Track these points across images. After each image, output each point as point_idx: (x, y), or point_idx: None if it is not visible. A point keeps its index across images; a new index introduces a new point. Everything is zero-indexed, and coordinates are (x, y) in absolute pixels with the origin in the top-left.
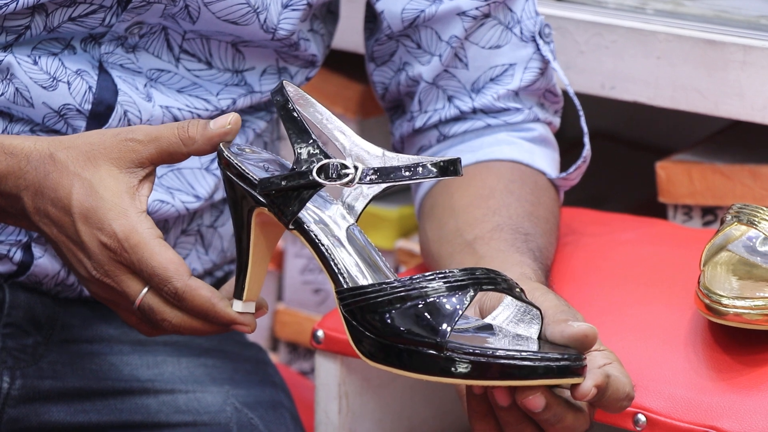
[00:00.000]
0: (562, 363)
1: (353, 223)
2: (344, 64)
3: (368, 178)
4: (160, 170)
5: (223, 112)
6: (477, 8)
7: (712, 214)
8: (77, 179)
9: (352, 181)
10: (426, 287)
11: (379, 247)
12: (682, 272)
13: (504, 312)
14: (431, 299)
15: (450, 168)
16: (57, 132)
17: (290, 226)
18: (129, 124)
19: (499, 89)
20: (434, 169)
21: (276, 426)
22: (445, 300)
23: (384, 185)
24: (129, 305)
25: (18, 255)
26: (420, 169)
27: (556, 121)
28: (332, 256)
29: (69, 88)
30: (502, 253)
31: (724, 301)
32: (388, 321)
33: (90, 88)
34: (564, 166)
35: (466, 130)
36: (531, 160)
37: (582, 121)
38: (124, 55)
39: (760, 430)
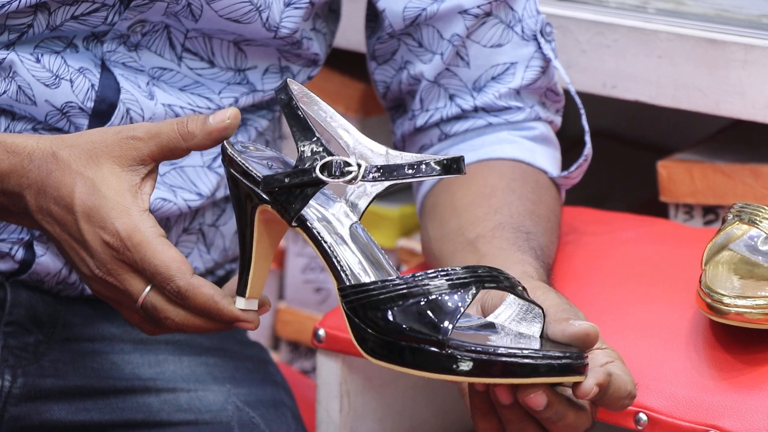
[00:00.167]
0: (563, 361)
1: (356, 221)
2: (345, 63)
3: (371, 175)
4: (163, 168)
5: None
6: (478, 6)
7: (713, 213)
8: (80, 178)
9: (355, 178)
10: (428, 285)
11: (381, 246)
12: (684, 271)
13: (506, 311)
14: (433, 297)
15: (453, 166)
16: (59, 130)
17: (293, 224)
18: (131, 122)
19: (500, 88)
20: (438, 167)
21: (277, 425)
22: (447, 297)
23: (387, 183)
24: (132, 304)
25: (20, 253)
26: (423, 167)
27: (558, 119)
28: (335, 253)
29: (71, 86)
30: (503, 252)
31: (726, 300)
32: (391, 318)
33: (92, 86)
34: (565, 165)
35: (467, 129)
36: (532, 159)
37: (583, 120)
38: (126, 53)
39: (761, 429)
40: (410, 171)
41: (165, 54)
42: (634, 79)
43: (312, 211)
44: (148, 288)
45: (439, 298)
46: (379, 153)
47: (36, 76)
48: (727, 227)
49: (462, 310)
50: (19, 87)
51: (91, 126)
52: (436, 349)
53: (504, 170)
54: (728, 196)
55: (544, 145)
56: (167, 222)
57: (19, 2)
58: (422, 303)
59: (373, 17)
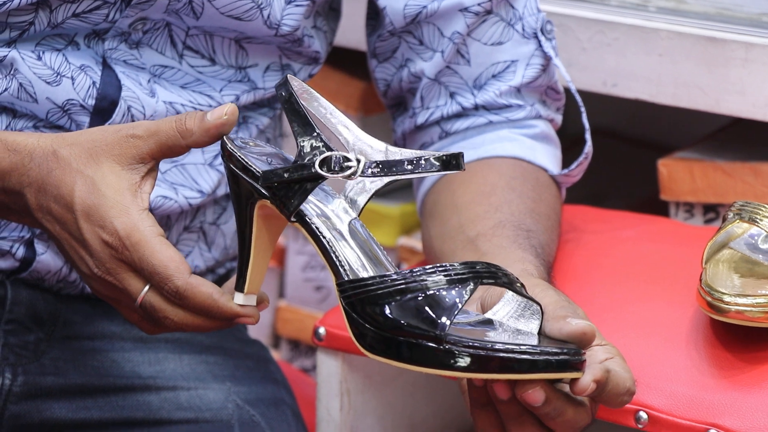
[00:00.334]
0: (561, 357)
1: (355, 217)
2: (346, 62)
3: (370, 171)
4: (164, 165)
5: None
6: (479, 4)
7: (713, 211)
8: (80, 176)
9: (354, 173)
10: (426, 280)
11: (381, 244)
12: (684, 270)
13: (504, 307)
14: (431, 292)
15: (452, 162)
16: (61, 128)
17: (292, 219)
18: (132, 120)
19: (501, 86)
20: (437, 163)
21: (277, 423)
22: (445, 293)
23: (386, 179)
24: (131, 303)
25: (20, 251)
26: (422, 163)
27: (558, 118)
28: (334, 248)
29: (73, 84)
30: (504, 250)
31: (726, 298)
32: (389, 313)
33: (94, 83)
34: (565, 163)
35: (467, 127)
36: (533, 157)
37: (583, 117)
38: (127, 51)
39: (761, 427)
40: (409, 167)
41: (166, 52)
42: (634, 77)
43: (311, 206)
44: (147, 287)
45: (437, 293)
46: (378, 149)
47: (37, 74)
48: (727, 225)
49: (460, 305)
50: (21, 84)
51: (92, 123)
52: (434, 345)
53: (504, 168)
54: (728, 195)
55: (544, 143)
56: (168, 220)
57: (21, 0)
58: (420, 298)
59: (374, 15)
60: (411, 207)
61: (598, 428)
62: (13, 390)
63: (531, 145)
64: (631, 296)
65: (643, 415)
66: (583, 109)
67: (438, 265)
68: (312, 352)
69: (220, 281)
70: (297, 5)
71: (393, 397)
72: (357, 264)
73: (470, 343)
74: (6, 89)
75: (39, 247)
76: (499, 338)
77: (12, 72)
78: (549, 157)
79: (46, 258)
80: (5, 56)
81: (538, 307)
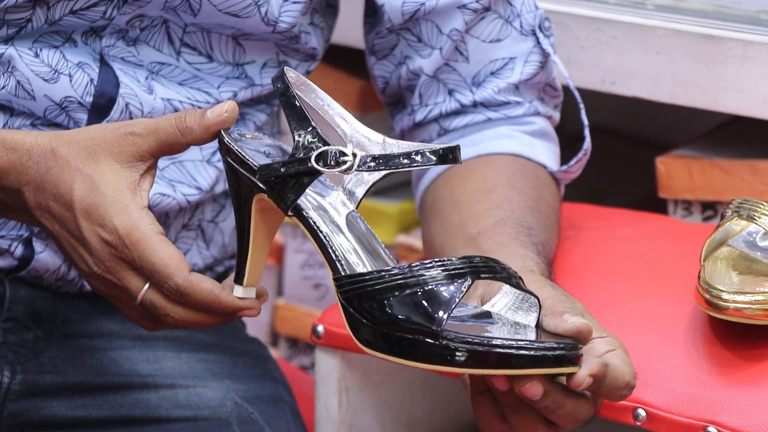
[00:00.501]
0: (558, 352)
1: (353, 210)
2: (344, 60)
3: (367, 165)
4: (162, 163)
5: None
6: (477, 1)
7: (711, 209)
8: (78, 175)
9: (350, 168)
10: (424, 275)
11: None
12: (682, 267)
13: (503, 299)
14: (429, 287)
15: (449, 155)
16: (58, 125)
17: (289, 213)
18: (131, 117)
19: (499, 83)
20: (433, 157)
21: (276, 421)
22: (442, 288)
23: (383, 172)
24: (131, 301)
25: (19, 250)
26: (419, 156)
27: (556, 115)
28: (330, 242)
29: (70, 81)
30: (505, 247)
31: (724, 296)
32: (386, 309)
33: (91, 80)
34: (564, 161)
35: (466, 124)
36: (532, 154)
37: (582, 114)
38: (125, 48)
39: (759, 424)
40: (405, 160)
41: (163, 49)
42: (632, 75)
43: (308, 200)
44: (147, 285)
45: (435, 288)
46: (376, 141)
47: (35, 71)
48: (725, 223)
49: (457, 300)
50: (18, 82)
51: (90, 121)
52: (431, 340)
53: (504, 165)
54: (727, 192)
55: (543, 140)
56: (166, 218)
57: None
58: (418, 293)
59: (372, 12)
60: (409, 205)
61: (597, 426)
62: (11, 388)
63: (530, 141)
64: (629, 293)
65: (642, 412)
66: (581, 104)
67: (436, 259)
68: (310, 350)
69: (218, 279)
70: (294, 2)
71: (391, 394)
72: (354, 258)
73: (467, 339)
74: (3, 87)
75: (37, 245)
76: (497, 333)
77: (9, 69)
78: (548, 153)
79: (45, 256)
80: (2, 53)
81: (536, 300)
